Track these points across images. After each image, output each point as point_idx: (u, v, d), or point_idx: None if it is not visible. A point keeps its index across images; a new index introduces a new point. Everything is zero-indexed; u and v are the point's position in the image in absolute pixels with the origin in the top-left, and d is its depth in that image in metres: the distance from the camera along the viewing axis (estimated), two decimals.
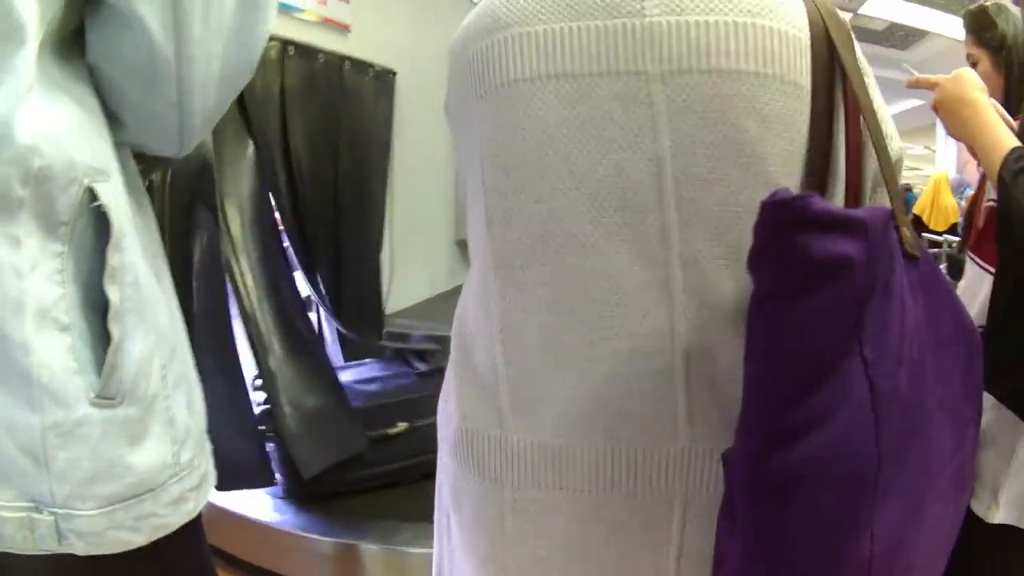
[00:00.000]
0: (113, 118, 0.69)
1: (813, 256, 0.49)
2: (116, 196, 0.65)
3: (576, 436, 0.65)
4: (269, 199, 1.95)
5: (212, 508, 2.06)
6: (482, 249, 0.69)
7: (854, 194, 0.65)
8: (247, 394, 1.85)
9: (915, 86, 1.08)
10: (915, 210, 6.51)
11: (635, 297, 0.62)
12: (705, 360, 0.62)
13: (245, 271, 1.88)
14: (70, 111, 0.63)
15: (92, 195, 0.63)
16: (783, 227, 0.50)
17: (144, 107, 0.68)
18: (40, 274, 0.61)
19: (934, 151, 9.49)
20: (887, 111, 0.68)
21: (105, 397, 0.65)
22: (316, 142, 2.03)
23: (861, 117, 0.64)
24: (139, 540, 0.71)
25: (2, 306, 0.60)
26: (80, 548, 0.68)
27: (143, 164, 0.77)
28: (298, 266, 2.09)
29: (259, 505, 2.06)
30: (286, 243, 2.04)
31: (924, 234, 5.95)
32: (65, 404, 0.63)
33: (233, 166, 1.87)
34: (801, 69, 0.61)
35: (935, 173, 7.08)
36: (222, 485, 1.89)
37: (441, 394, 0.80)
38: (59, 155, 0.61)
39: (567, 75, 0.61)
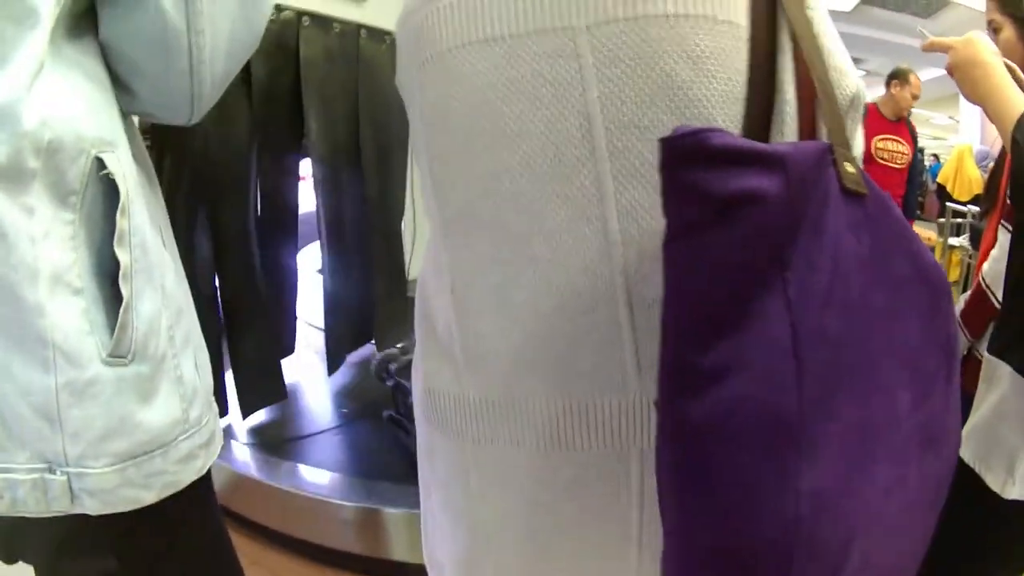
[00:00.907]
0: (126, 90, 0.72)
1: (712, 193, 0.47)
2: (123, 165, 0.68)
3: (526, 392, 0.65)
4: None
5: (234, 472, 2.10)
6: (432, 212, 0.70)
7: (808, 137, 0.62)
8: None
9: (930, 49, 1.08)
10: (939, 179, 6.52)
11: (575, 252, 0.61)
12: (650, 311, 0.61)
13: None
14: (81, 86, 0.66)
15: (100, 164, 0.66)
16: (677, 164, 0.48)
17: (157, 79, 0.71)
18: (53, 240, 0.64)
19: (958, 121, 9.38)
20: (839, 44, 0.65)
21: (117, 356, 0.68)
22: (334, 113, 2.04)
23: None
24: (149, 497, 0.74)
25: (17, 271, 0.63)
26: (92, 507, 0.71)
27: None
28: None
29: (280, 470, 2.10)
30: None
31: (949, 204, 5.90)
32: (79, 364, 0.66)
33: (231, 148, 1.90)
34: (736, 7, 0.60)
35: (959, 144, 7.02)
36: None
37: (414, 357, 0.82)
38: (68, 128, 0.64)
39: (496, 38, 0.61)
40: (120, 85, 0.72)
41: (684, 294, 0.50)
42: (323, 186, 2.07)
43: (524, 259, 0.63)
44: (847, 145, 0.59)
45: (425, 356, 0.76)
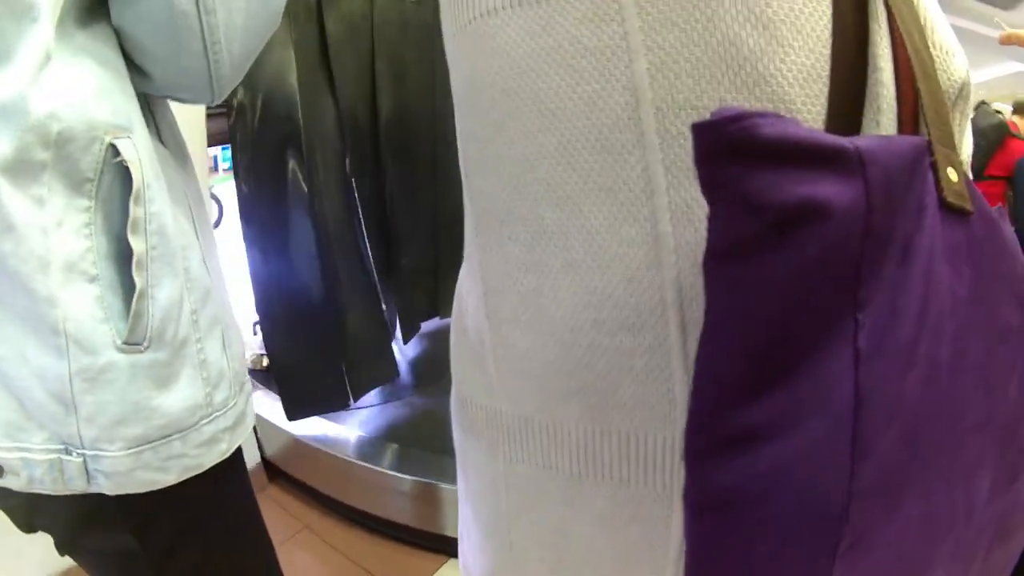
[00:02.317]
0: (142, 73, 0.71)
1: (764, 203, 0.36)
2: (139, 150, 0.67)
3: (560, 413, 0.57)
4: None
5: (296, 442, 2.12)
6: (466, 203, 0.62)
7: (910, 128, 0.49)
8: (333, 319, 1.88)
9: (1007, 42, 0.96)
10: None
11: (618, 258, 0.51)
12: None
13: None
14: (92, 73, 0.65)
15: (115, 151, 0.66)
16: (718, 159, 0.37)
17: (171, 62, 0.70)
18: (67, 229, 0.64)
19: None
20: (943, 19, 0.53)
21: (131, 343, 0.68)
22: (408, 84, 2.01)
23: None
24: (168, 479, 0.74)
25: (27, 262, 0.63)
26: (108, 487, 0.71)
27: None
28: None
29: (340, 439, 2.10)
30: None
31: None
32: (92, 351, 0.66)
33: (317, 118, 1.88)
34: None
35: None
36: (300, 411, 1.97)
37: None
38: (79, 117, 0.63)
39: (532, 1, 0.51)
40: (136, 69, 0.71)
41: (724, 329, 0.40)
42: (397, 157, 2.04)
43: (560, 263, 0.54)
44: (952, 145, 0.46)
45: (457, 360, 0.70)
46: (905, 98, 0.48)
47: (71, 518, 0.77)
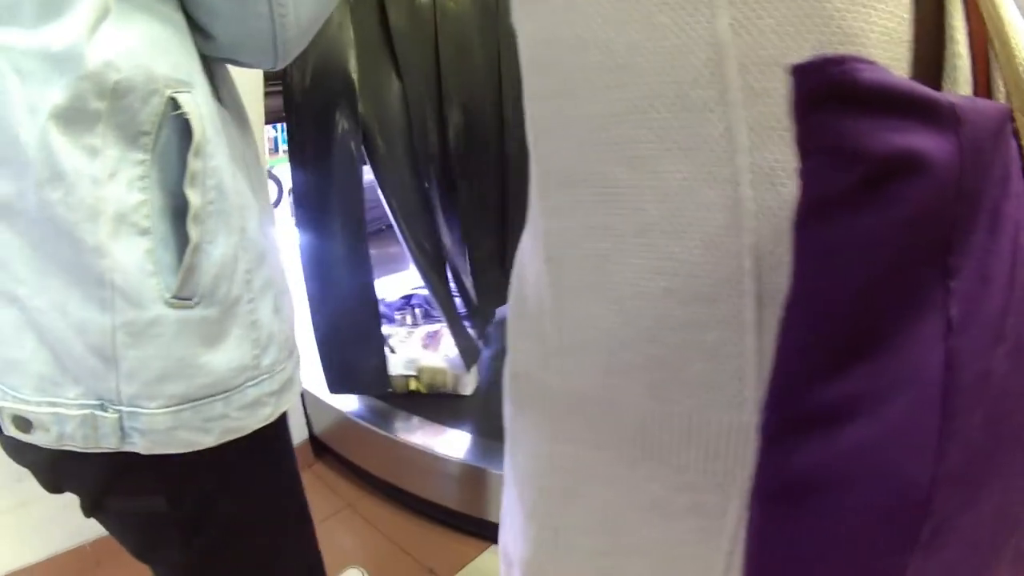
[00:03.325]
0: (204, 35, 0.70)
1: (862, 151, 0.33)
2: (199, 105, 0.67)
3: (619, 390, 0.54)
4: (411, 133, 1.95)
5: (345, 419, 2.12)
6: (531, 166, 0.59)
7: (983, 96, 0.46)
8: (375, 301, 1.88)
9: None
10: None
11: (696, 222, 0.48)
12: (782, 309, 0.46)
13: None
14: (152, 27, 0.65)
15: (175, 105, 0.65)
16: (818, 103, 0.35)
17: (236, 22, 0.69)
18: (120, 181, 0.64)
19: None
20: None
21: (181, 297, 0.67)
22: (472, 62, 1.99)
23: None
24: (208, 441, 0.73)
25: (76, 211, 0.62)
26: (142, 446, 0.71)
27: None
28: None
29: (390, 421, 2.11)
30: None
31: None
32: (139, 304, 0.66)
33: (377, 94, 1.87)
34: None
35: None
36: (337, 387, 1.98)
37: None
38: (138, 69, 0.63)
39: None
40: (198, 30, 0.70)
41: (813, 296, 0.38)
42: (462, 138, 2.03)
43: (633, 226, 0.51)
44: None
45: (514, 332, 0.67)
46: (979, 72, 0.46)
47: (100, 477, 0.76)
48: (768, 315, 0.47)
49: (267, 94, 1.90)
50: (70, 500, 0.80)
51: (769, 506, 0.40)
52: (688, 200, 0.48)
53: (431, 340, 2.29)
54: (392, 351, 2.13)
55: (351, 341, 1.94)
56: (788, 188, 0.45)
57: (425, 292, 2.43)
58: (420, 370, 2.17)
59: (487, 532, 1.94)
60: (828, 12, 0.43)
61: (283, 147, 4.01)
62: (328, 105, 1.78)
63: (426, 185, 2.00)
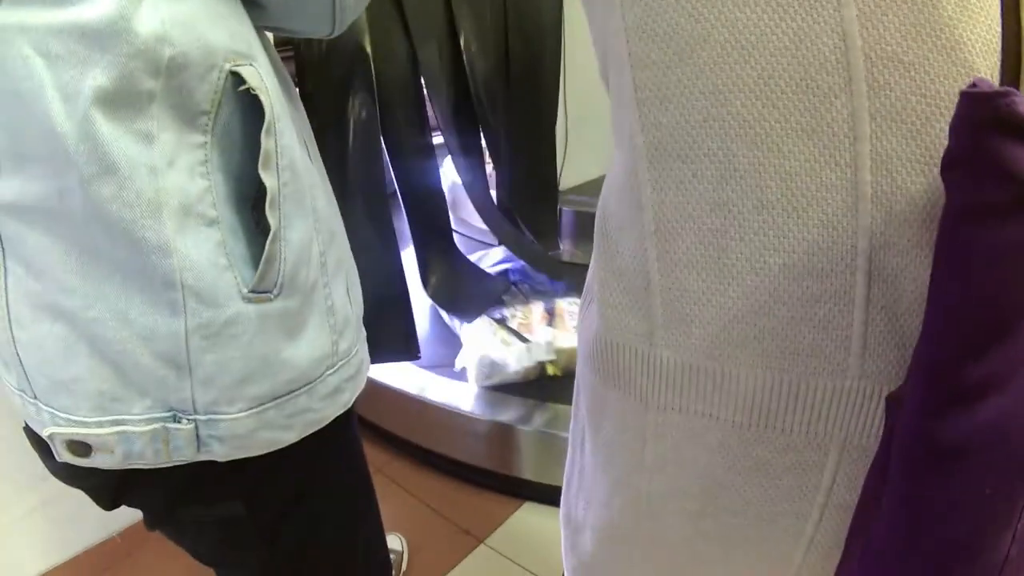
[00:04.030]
0: (254, 4, 0.64)
1: (1018, 171, 0.39)
2: (264, 78, 0.61)
3: (732, 360, 0.57)
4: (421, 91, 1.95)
5: (368, 384, 2.12)
6: (629, 134, 0.59)
7: None
8: (401, 270, 1.88)
9: None
10: None
11: (816, 202, 0.51)
12: (889, 285, 0.51)
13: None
14: None
15: (238, 79, 0.59)
16: (982, 127, 0.40)
17: None
18: (180, 168, 0.58)
19: None
20: None
21: (260, 291, 0.62)
22: (483, 25, 1.97)
23: None
24: (290, 437, 0.69)
25: (133, 207, 0.56)
26: (221, 454, 0.66)
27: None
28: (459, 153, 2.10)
29: (415, 382, 2.12)
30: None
31: None
32: (214, 304, 0.61)
33: (388, 55, 1.85)
34: None
35: None
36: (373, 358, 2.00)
37: (583, 295, 0.73)
38: (194, 41, 0.56)
39: None
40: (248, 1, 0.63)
41: (966, 289, 0.42)
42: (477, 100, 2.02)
43: (752, 203, 0.53)
44: None
45: (605, 302, 0.67)
46: None
47: (170, 491, 0.72)
48: (875, 290, 0.51)
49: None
50: None
51: (922, 466, 0.45)
52: (810, 181, 0.51)
53: (551, 315, 2.22)
54: (524, 339, 2.07)
55: (381, 311, 1.95)
56: (902, 176, 0.49)
57: (508, 265, 2.45)
58: (558, 352, 2.04)
59: (520, 489, 1.97)
60: (943, 19, 0.47)
61: None
62: (343, 74, 1.76)
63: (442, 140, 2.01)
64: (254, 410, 0.65)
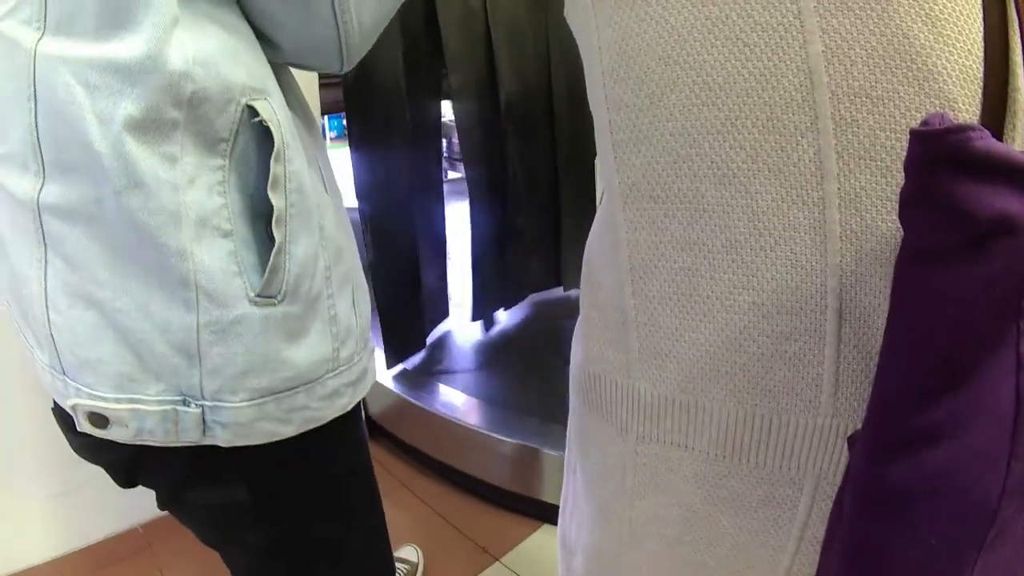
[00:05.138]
0: (269, 43, 0.70)
1: (974, 214, 0.37)
2: (276, 111, 0.68)
3: (705, 394, 0.58)
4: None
5: (400, 401, 2.17)
6: (609, 175, 0.60)
7: None
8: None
9: None
10: None
11: (784, 241, 0.51)
12: (861, 324, 0.51)
13: None
14: (221, 38, 0.65)
15: (252, 112, 0.66)
16: (934, 165, 0.38)
17: (301, 31, 0.69)
18: (200, 187, 0.65)
19: None
20: None
21: (266, 296, 0.69)
22: (524, 50, 2.01)
23: None
24: (287, 431, 0.75)
25: (157, 217, 0.63)
26: (223, 439, 0.72)
27: None
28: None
29: (444, 401, 2.16)
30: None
31: None
32: (223, 304, 0.67)
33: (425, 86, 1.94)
34: None
35: None
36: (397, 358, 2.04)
37: (576, 326, 0.75)
38: (214, 78, 0.63)
39: None
40: (264, 39, 0.70)
41: (919, 332, 0.41)
42: (512, 126, 2.06)
43: (721, 242, 0.54)
44: None
45: (588, 336, 0.69)
46: None
47: (180, 471, 0.78)
48: (847, 328, 0.51)
49: (323, 86, 1.94)
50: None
51: (867, 511, 0.44)
52: (777, 220, 0.51)
53: None
54: None
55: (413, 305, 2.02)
56: (872, 214, 0.49)
57: None
58: None
59: (540, 511, 1.98)
60: (915, 48, 0.46)
61: (331, 135, 4.09)
62: (381, 96, 1.83)
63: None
64: (255, 401, 0.71)
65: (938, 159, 0.38)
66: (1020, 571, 0.44)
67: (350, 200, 1.90)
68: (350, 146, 1.91)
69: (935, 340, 0.41)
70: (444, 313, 2.37)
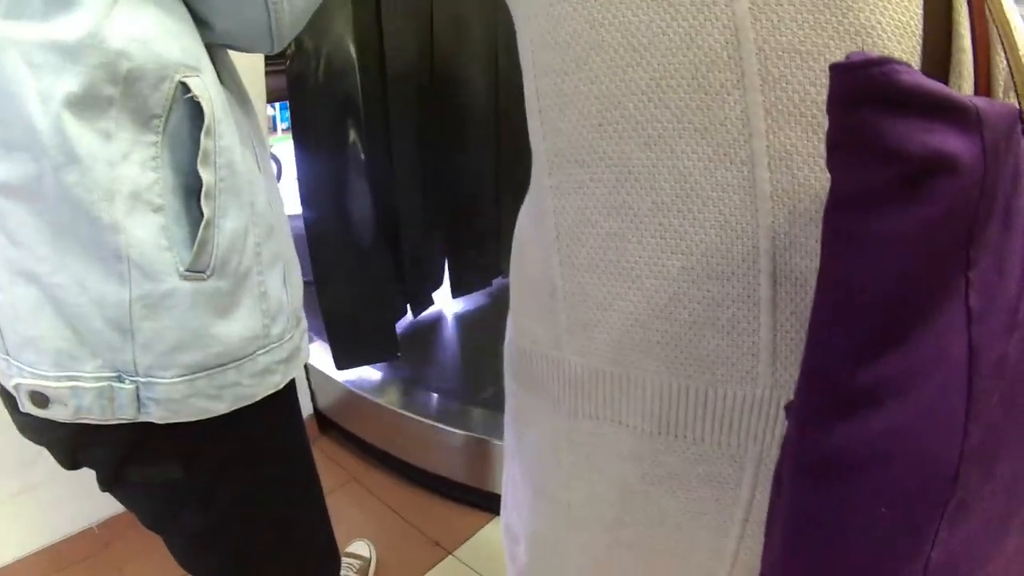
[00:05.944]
0: (203, 23, 0.72)
1: (903, 152, 0.34)
2: (208, 88, 0.69)
3: (637, 366, 0.56)
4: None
5: (349, 393, 2.14)
6: (536, 143, 0.59)
7: (983, 96, 0.47)
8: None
9: None
10: None
11: (712, 202, 0.49)
12: (798, 288, 0.49)
13: None
14: (157, 17, 0.67)
15: (185, 88, 0.68)
16: (855, 103, 0.35)
17: (232, 13, 0.71)
18: (133, 162, 0.67)
19: None
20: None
21: (195, 270, 0.70)
22: (469, 36, 2.00)
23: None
24: (220, 408, 0.76)
25: (92, 192, 0.65)
26: (158, 416, 0.73)
27: None
28: None
29: (393, 394, 2.13)
30: None
31: None
32: (154, 277, 0.68)
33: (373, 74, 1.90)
34: None
35: None
36: (346, 362, 2.01)
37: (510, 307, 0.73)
38: (149, 56, 0.65)
39: None
40: (198, 20, 0.72)
41: (850, 285, 0.39)
42: (455, 116, 2.06)
43: (648, 205, 0.52)
44: None
45: (518, 310, 0.68)
46: (980, 68, 0.46)
47: (118, 449, 0.79)
48: (782, 293, 0.49)
49: (268, 73, 1.90)
50: (76, 484, 0.80)
51: (807, 481, 0.42)
52: (704, 180, 0.49)
53: None
54: None
55: (365, 309, 1.97)
56: (804, 172, 0.47)
57: None
58: None
59: (492, 504, 1.95)
60: (846, 3, 0.44)
61: (282, 125, 4.02)
62: (329, 84, 1.79)
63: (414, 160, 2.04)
64: (186, 377, 0.72)
65: (862, 95, 0.35)
66: (991, 548, 0.41)
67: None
68: (292, 132, 1.87)
69: (871, 292, 0.38)
70: (404, 311, 2.34)
